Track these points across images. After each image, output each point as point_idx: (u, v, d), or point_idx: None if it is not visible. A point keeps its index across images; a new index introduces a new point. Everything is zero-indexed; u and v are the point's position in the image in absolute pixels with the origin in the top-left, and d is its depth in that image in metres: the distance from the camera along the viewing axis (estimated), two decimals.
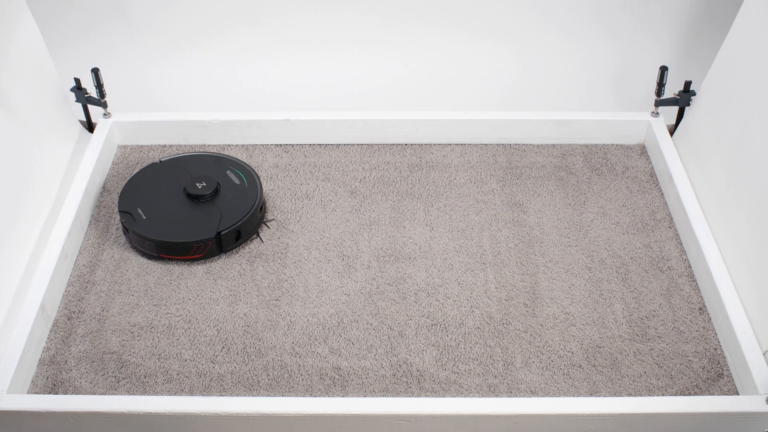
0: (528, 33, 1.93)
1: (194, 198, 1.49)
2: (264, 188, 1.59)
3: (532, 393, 1.25)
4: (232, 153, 1.68)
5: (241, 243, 1.46)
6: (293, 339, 1.32)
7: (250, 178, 1.53)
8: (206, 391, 1.25)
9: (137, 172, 1.56)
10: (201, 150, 1.64)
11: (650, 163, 1.65)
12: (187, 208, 1.48)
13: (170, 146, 1.69)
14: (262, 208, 1.50)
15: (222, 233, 1.43)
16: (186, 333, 1.33)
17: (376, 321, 1.35)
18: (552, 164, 1.65)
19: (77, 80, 1.65)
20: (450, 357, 1.30)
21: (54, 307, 1.37)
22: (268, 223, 1.46)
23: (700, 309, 1.37)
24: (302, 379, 1.27)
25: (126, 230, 1.46)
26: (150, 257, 1.45)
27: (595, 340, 1.32)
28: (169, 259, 1.44)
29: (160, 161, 1.56)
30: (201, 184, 1.50)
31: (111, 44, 1.92)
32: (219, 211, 1.46)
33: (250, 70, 1.93)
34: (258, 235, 1.45)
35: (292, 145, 1.70)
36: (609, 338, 1.32)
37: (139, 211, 1.46)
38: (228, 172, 1.54)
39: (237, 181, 1.52)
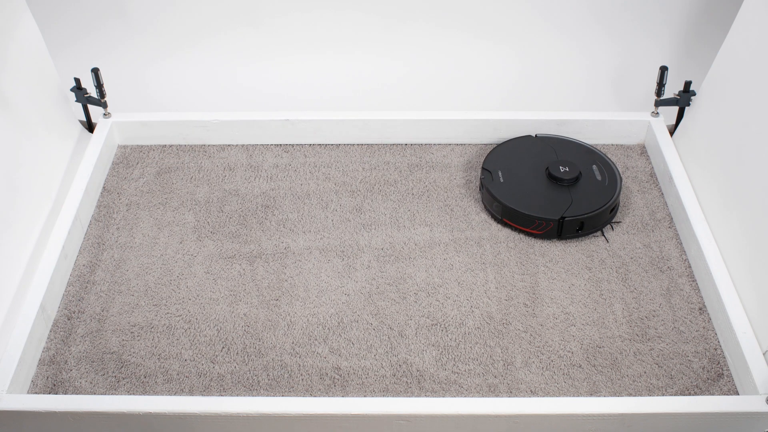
0: (528, 33, 1.93)
1: (554, 179, 1.53)
2: (265, 187, 1.59)
3: (532, 393, 1.25)
4: (231, 153, 1.68)
5: (581, 235, 1.48)
6: (293, 339, 1.32)
7: (612, 177, 1.54)
8: (206, 391, 1.25)
9: (511, 139, 1.63)
10: (575, 139, 1.66)
11: (650, 163, 1.65)
12: (543, 186, 1.53)
13: (170, 146, 1.69)
14: (613, 209, 1.51)
15: (565, 219, 1.45)
16: (186, 333, 1.33)
17: (376, 321, 1.35)
18: None
19: (77, 80, 1.65)
20: (450, 357, 1.30)
21: (54, 307, 1.37)
22: (613, 225, 1.48)
23: (700, 309, 1.37)
24: (302, 379, 1.27)
25: (482, 186, 1.53)
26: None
27: (595, 340, 1.32)
28: (511, 227, 1.49)
29: (536, 136, 1.63)
30: (564, 168, 1.53)
31: (111, 44, 1.92)
32: (571, 198, 1.49)
33: (251, 70, 1.93)
34: (603, 234, 1.47)
35: (293, 145, 1.70)
36: (609, 338, 1.32)
37: (499, 173, 1.53)
38: (594, 166, 1.56)
39: (599, 177, 1.54)
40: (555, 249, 1.47)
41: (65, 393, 1.25)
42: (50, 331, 1.34)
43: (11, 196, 1.40)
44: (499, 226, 1.51)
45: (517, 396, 1.24)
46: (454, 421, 1.17)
